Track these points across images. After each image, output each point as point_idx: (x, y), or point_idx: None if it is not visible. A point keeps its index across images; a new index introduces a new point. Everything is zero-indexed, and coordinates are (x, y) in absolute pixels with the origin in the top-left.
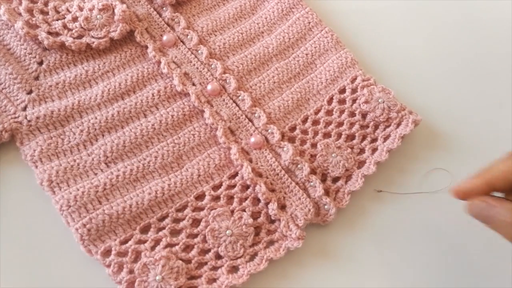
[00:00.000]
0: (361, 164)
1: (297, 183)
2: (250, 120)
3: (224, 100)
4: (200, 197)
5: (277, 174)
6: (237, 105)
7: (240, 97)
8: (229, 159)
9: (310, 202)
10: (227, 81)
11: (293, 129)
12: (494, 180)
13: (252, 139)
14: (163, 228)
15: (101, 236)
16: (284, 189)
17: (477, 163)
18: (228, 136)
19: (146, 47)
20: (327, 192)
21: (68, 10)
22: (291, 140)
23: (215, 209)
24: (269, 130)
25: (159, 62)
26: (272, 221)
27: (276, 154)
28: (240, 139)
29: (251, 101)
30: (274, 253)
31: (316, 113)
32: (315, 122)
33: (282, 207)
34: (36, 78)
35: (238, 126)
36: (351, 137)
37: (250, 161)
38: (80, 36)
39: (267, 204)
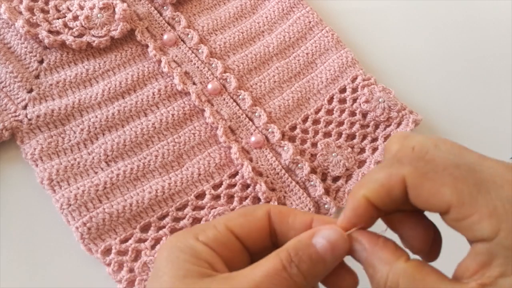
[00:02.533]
0: (361, 163)
1: (297, 182)
2: (251, 120)
3: (224, 99)
4: (201, 196)
5: (277, 173)
6: (237, 104)
7: (240, 96)
8: (230, 158)
9: (310, 201)
10: (228, 80)
11: (293, 128)
12: (372, 197)
13: (253, 138)
14: (164, 227)
15: (102, 234)
16: (284, 188)
17: None
18: (229, 135)
19: (147, 46)
20: (327, 192)
21: (68, 9)
22: (292, 139)
23: (216, 208)
24: (270, 129)
25: (159, 61)
26: None
27: (276, 153)
28: (240, 138)
29: (252, 100)
30: None
31: (317, 112)
32: (316, 122)
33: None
34: (37, 76)
35: (239, 126)
36: (351, 136)
37: (251, 160)
38: (80, 35)
39: (267, 203)
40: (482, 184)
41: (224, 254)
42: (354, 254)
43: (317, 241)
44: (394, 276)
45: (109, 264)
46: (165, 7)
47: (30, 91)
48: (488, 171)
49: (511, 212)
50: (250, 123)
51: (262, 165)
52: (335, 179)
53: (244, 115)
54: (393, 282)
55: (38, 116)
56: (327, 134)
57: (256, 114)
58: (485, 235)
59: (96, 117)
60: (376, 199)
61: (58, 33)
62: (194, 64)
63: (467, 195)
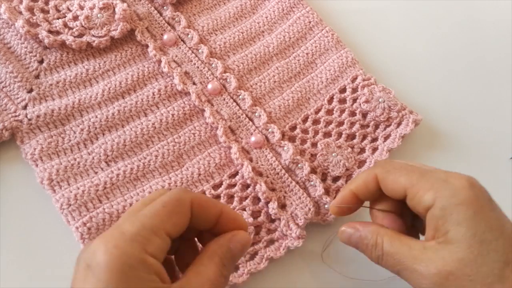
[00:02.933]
0: (361, 163)
1: (297, 182)
2: (251, 120)
3: (224, 99)
4: None
5: (277, 173)
6: (237, 104)
7: (240, 96)
8: (230, 158)
9: (310, 201)
10: (228, 80)
11: (293, 128)
12: (356, 190)
13: (253, 138)
14: None
15: None
16: (284, 188)
17: (477, 163)
18: (229, 135)
19: (147, 46)
20: (327, 192)
21: (68, 9)
22: (292, 139)
23: None
24: (270, 129)
25: (159, 61)
26: (272, 220)
27: (276, 153)
28: (240, 138)
29: (252, 100)
30: (274, 252)
31: (317, 112)
32: (316, 122)
33: (282, 206)
34: (37, 76)
35: (239, 125)
36: (351, 136)
37: (251, 160)
38: (80, 35)
39: (267, 203)
40: (425, 173)
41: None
42: (351, 239)
43: (234, 245)
44: (379, 238)
45: None
46: (165, 7)
47: (30, 91)
48: (429, 168)
49: (442, 187)
50: (250, 123)
51: (262, 165)
52: (335, 179)
53: (244, 115)
54: (379, 243)
55: (38, 116)
56: (327, 134)
57: (256, 114)
58: (428, 203)
59: (96, 117)
60: (358, 191)
61: (58, 33)
62: (194, 64)
63: (415, 179)
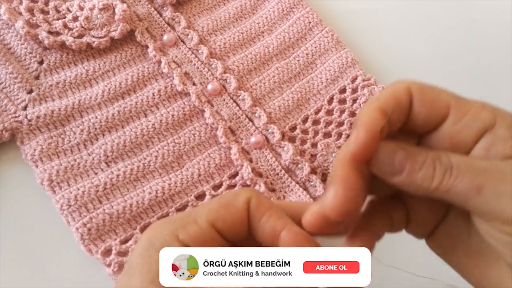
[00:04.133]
0: None
1: (297, 183)
2: (251, 120)
3: (224, 99)
4: (201, 196)
5: (277, 174)
6: (237, 104)
7: (240, 97)
8: (230, 158)
9: (309, 199)
10: (228, 80)
11: (293, 128)
12: (385, 105)
13: (253, 139)
14: None
15: (102, 235)
16: (284, 188)
17: None
18: (229, 135)
19: (147, 46)
20: None
21: (68, 10)
22: (292, 139)
23: None
24: (270, 130)
25: (159, 62)
26: None
27: (276, 153)
28: (240, 139)
29: (252, 101)
30: None
31: (317, 112)
32: (316, 122)
33: None
34: (37, 77)
35: (239, 126)
36: None
37: (250, 161)
38: (80, 36)
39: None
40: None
41: None
42: (394, 160)
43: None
44: (440, 153)
45: (109, 265)
46: (165, 8)
47: (30, 92)
48: None
49: (496, 108)
50: (250, 123)
51: (262, 165)
52: None
53: (244, 116)
54: (442, 156)
55: (38, 117)
56: (327, 135)
57: (256, 114)
58: (487, 121)
59: (96, 117)
60: (386, 106)
61: (58, 34)
62: (194, 64)
63: (460, 98)
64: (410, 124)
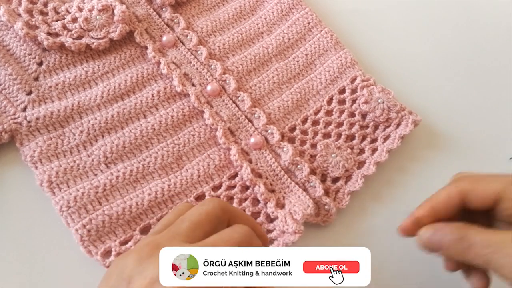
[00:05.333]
0: (361, 164)
1: (296, 183)
2: (250, 121)
3: (223, 100)
4: (200, 197)
5: (277, 175)
6: (236, 105)
7: (239, 98)
8: (229, 159)
9: (309, 199)
10: (227, 81)
11: (292, 129)
12: (436, 207)
13: (252, 140)
14: None
15: (101, 237)
16: (284, 189)
17: (476, 163)
18: (228, 136)
19: (146, 47)
20: (327, 193)
21: (67, 11)
22: (291, 140)
23: None
24: (269, 131)
25: (158, 63)
26: (271, 220)
27: (276, 154)
28: (240, 140)
29: (251, 102)
30: None
31: (316, 113)
32: (315, 123)
33: (282, 206)
34: (36, 79)
35: (238, 127)
36: (350, 137)
37: (250, 161)
38: (79, 37)
39: (266, 204)
40: None
41: None
42: (431, 240)
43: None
44: (464, 231)
45: (109, 266)
46: (164, 9)
47: (29, 93)
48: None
49: None
50: (250, 124)
51: (261, 166)
52: (335, 180)
53: (243, 117)
54: (464, 235)
55: (37, 118)
56: (326, 135)
57: (256, 115)
58: None
59: (96, 119)
60: (439, 206)
61: (57, 35)
62: (193, 65)
63: (510, 181)
64: (471, 207)
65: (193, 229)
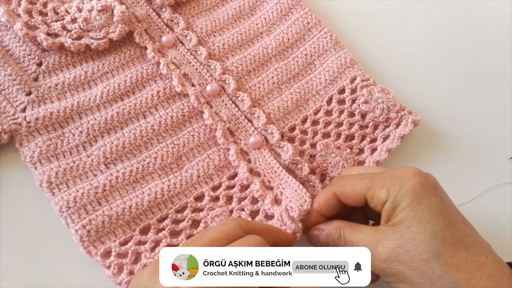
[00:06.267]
0: (360, 164)
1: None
2: (250, 121)
3: (223, 100)
4: (200, 198)
5: (275, 172)
6: (236, 105)
7: (239, 98)
8: (228, 160)
9: (306, 193)
10: (227, 81)
11: (292, 129)
12: (319, 209)
13: (251, 139)
14: (163, 229)
15: (101, 237)
16: (282, 185)
17: (476, 163)
18: (227, 137)
19: (145, 48)
20: None
21: (67, 11)
22: (291, 140)
23: (214, 209)
24: (269, 130)
25: (158, 63)
26: (270, 218)
27: (275, 154)
28: (239, 140)
29: (251, 102)
30: None
31: (316, 113)
32: (315, 123)
33: (279, 203)
34: (35, 79)
35: (238, 127)
36: (350, 137)
37: (249, 161)
38: (79, 37)
39: (264, 201)
40: (376, 175)
41: None
42: (320, 239)
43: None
44: (341, 230)
45: (109, 267)
46: (163, 9)
47: (29, 93)
48: (380, 170)
49: (392, 182)
50: (249, 124)
51: (260, 165)
52: None
53: (243, 117)
54: (341, 235)
55: (37, 119)
56: (326, 135)
57: (255, 115)
58: (383, 199)
59: (95, 119)
60: (322, 209)
61: (56, 35)
62: (193, 65)
63: (369, 183)
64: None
65: (209, 245)
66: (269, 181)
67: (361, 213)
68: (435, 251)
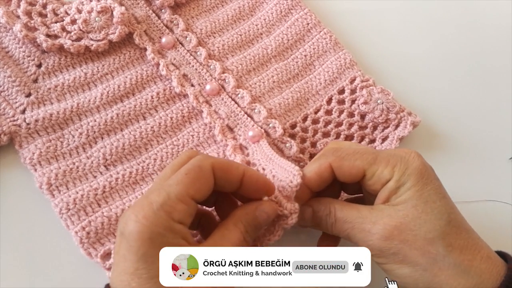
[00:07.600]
0: None
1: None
2: (250, 116)
3: (223, 99)
4: None
5: (270, 159)
6: (236, 102)
7: (239, 95)
8: (227, 156)
9: (294, 167)
10: (226, 80)
11: (293, 126)
12: (309, 183)
13: (250, 133)
14: None
15: (101, 239)
16: (275, 168)
17: (476, 163)
18: (226, 133)
19: (145, 49)
20: None
21: (66, 13)
22: (292, 137)
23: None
24: (271, 124)
25: (158, 64)
26: None
27: (278, 149)
28: (238, 136)
29: (250, 98)
30: (269, 238)
31: (316, 112)
32: (315, 121)
33: None
34: (35, 81)
35: (237, 123)
36: (349, 137)
37: (247, 155)
38: (78, 39)
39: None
40: (378, 153)
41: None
42: (306, 217)
43: (260, 214)
44: (331, 207)
45: (109, 269)
46: (163, 10)
47: (28, 95)
48: (379, 149)
49: (398, 161)
50: (249, 119)
51: (256, 156)
52: None
53: (242, 112)
54: (331, 211)
55: (36, 121)
56: (326, 134)
57: (256, 110)
58: (386, 177)
59: (95, 121)
60: (311, 184)
61: (56, 37)
62: (193, 66)
63: (371, 159)
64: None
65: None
66: (263, 169)
67: (332, 192)
68: (441, 231)
